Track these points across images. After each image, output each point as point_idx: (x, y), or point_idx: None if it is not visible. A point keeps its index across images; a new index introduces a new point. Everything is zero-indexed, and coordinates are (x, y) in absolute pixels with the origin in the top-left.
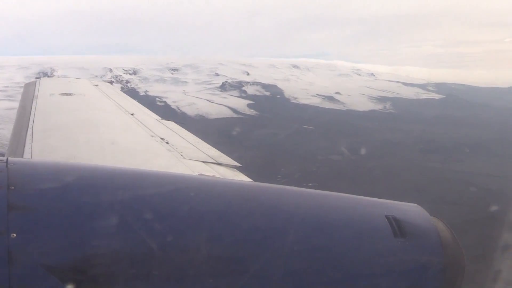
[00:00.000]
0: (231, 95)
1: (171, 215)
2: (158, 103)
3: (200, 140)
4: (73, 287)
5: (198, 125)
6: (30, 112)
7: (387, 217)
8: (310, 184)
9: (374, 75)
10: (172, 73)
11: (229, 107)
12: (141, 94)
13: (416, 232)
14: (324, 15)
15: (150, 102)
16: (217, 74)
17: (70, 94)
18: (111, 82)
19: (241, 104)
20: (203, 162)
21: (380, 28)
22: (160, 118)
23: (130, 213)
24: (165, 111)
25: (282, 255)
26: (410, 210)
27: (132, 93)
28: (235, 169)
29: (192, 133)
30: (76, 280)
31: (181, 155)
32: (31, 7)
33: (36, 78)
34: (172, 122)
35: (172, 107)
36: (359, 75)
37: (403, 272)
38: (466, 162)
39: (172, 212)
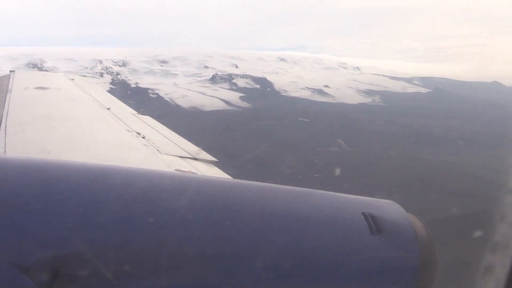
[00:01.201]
0: (222, 88)
1: (146, 213)
2: (151, 95)
3: (176, 135)
4: (44, 287)
5: (195, 118)
6: (4, 106)
7: (363, 214)
8: (316, 175)
9: (359, 69)
10: (161, 65)
11: (222, 100)
12: (132, 86)
13: (393, 229)
14: (301, 8)
15: (142, 94)
16: (206, 67)
17: (45, 88)
18: (101, 74)
19: (234, 97)
20: (180, 157)
21: (356, 22)
22: (136, 112)
23: (104, 211)
24: (159, 103)
25: (256, 253)
26: (387, 207)
27: (123, 85)
28: (212, 164)
29: (189, 125)
30: (49, 280)
31: (158, 150)
32: None
33: (10, 71)
34: (148, 117)
35: (166, 99)
36: (345, 68)
37: (379, 269)
38: (462, 154)
39: (147, 209)
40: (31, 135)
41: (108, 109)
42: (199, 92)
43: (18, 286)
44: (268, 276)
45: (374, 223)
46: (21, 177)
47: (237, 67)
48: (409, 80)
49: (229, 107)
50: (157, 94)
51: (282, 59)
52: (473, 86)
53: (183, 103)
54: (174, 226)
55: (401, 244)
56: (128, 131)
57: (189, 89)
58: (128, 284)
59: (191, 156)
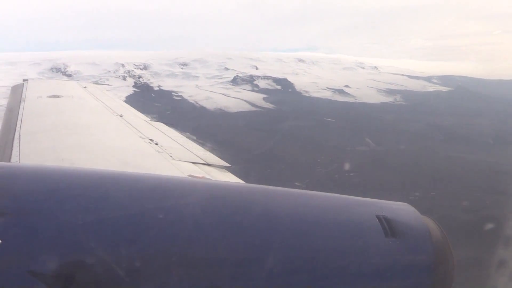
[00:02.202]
0: (244, 89)
1: (161, 219)
2: (175, 98)
3: (189, 140)
4: None
5: (222, 119)
6: (18, 114)
7: (377, 216)
8: (352, 174)
9: (377, 69)
10: (182, 68)
11: (246, 101)
12: (155, 88)
13: (407, 231)
14: (311, 9)
15: (167, 97)
16: (226, 69)
17: (58, 96)
18: (124, 78)
19: (257, 98)
20: (193, 163)
21: (366, 22)
22: (149, 119)
23: (118, 217)
24: (184, 106)
25: (272, 256)
26: (401, 209)
27: (146, 88)
28: (225, 170)
29: (218, 127)
30: (63, 286)
31: (171, 156)
32: (40, 2)
33: (24, 80)
34: (161, 123)
35: (190, 101)
36: (363, 68)
37: (394, 271)
38: (495, 153)
39: (162, 215)
40: (45, 143)
41: (120, 116)
42: (222, 94)
43: None
44: (284, 278)
45: (388, 226)
46: (35, 184)
47: (257, 68)
48: (428, 79)
49: (254, 108)
50: (181, 96)
51: (301, 60)
52: (493, 84)
53: (208, 105)
54: (189, 232)
55: (416, 246)
56: (141, 138)
57: (212, 91)
58: None
59: (204, 162)
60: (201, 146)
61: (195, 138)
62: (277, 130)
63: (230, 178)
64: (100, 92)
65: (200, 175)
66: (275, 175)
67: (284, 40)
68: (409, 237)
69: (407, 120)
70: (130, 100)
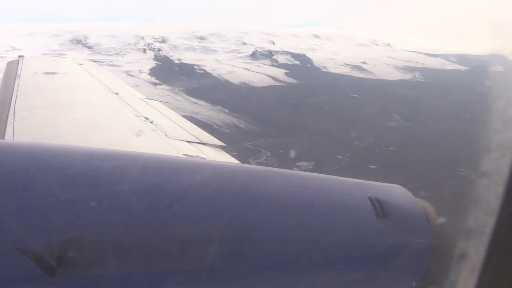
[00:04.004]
0: (264, 64)
1: (153, 198)
2: (198, 71)
3: (184, 119)
4: (49, 271)
5: (250, 94)
6: (12, 91)
7: (369, 198)
8: (391, 148)
9: (390, 46)
10: (199, 42)
11: (268, 76)
12: (175, 62)
13: (400, 213)
14: None
15: (189, 70)
16: (244, 43)
17: (53, 73)
18: (144, 50)
19: (279, 73)
20: (188, 141)
21: None
22: (144, 97)
23: (110, 195)
24: (208, 79)
25: (262, 237)
26: (393, 191)
27: (166, 61)
28: (219, 149)
29: (249, 102)
30: (54, 264)
31: (166, 134)
32: None
33: (19, 56)
34: (156, 102)
35: (214, 75)
36: (377, 45)
37: (386, 253)
38: None
39: (155, 194)
40: (40, 120)
41: (116, 94)
42: (244, 68)
43: (23, 271)
44: (273, 258)
45: (380, 207)
46: (29, 162)
47: (274, 43)
48: (446, 57)
49: (278, 83)
50: (203, 70)
51: (316, 36)
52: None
53: (232, 79)
54: (182, 210)
55: (410, 228)
56: (136, 116)
57: (233, 65)
58: (133, 267)
59: (199, 141)
60: (236, 120)
61: (227, 111)
62: (306, 105)
63: (224, 157)
64: (96, 70)
65: (195, 154)
66: (316, 148)
67: (294, 15)
68: (401, 218)
69: (432, 97)
70: (154, 73)
